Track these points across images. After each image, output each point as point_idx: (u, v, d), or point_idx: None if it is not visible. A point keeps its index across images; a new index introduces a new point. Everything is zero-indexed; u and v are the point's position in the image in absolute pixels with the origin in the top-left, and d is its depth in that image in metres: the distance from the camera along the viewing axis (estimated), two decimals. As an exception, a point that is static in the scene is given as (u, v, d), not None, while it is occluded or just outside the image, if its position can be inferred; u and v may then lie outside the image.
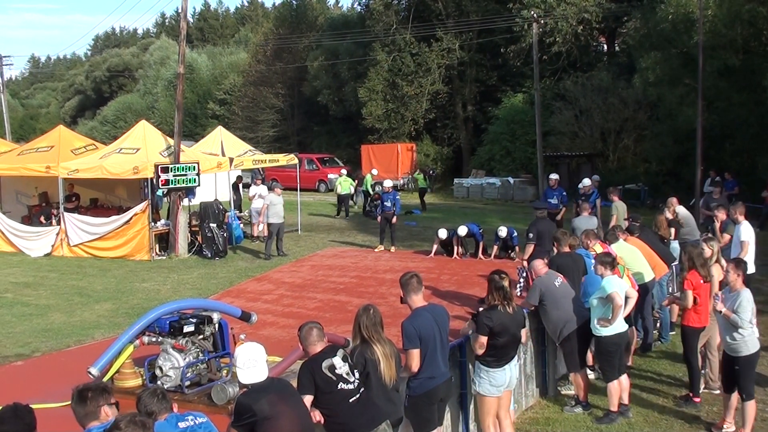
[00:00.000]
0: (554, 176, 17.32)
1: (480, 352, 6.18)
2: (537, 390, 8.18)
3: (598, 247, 9.31)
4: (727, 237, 10.85)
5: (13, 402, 3.59)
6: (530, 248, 11.49)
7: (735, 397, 7.06)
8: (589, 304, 7.69)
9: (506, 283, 6.21)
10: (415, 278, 5.78)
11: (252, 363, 4.54)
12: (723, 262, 8.54)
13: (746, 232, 10.08)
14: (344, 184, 25.18)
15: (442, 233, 16.01)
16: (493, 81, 36.09)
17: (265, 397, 4.37)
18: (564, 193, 16.69)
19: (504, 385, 6.24)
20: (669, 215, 11.78)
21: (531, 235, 11.69)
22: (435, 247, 16.20)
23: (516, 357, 6.39)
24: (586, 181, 16.29)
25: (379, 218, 17.82)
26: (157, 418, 4.16)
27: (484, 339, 6.11)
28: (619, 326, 7.52)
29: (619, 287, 7.48)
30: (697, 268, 7.70)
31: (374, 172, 27.38)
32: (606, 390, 7.92)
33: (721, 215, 11.42)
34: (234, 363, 4.64)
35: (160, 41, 71.87)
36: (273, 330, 10.72)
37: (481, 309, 6.50)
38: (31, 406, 3.62)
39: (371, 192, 25.05)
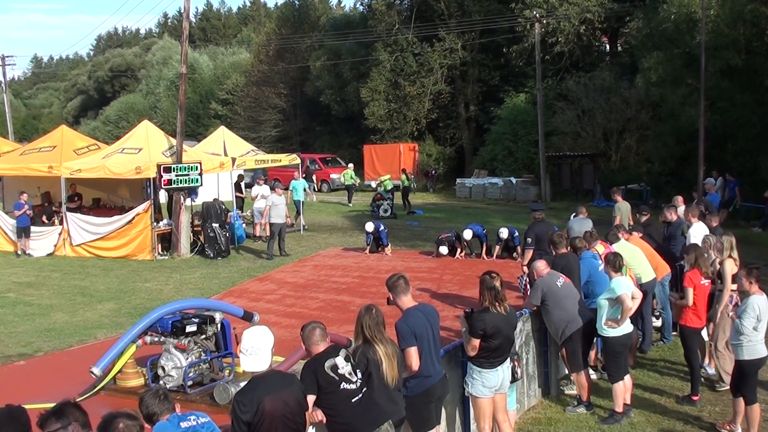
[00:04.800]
0: (710, 180, 18.90)
1: (472, 354, 6.17)
2: (539, 390, 8.17)
3: (599, 247, 9.30)
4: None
5: (5, 405, 3.57)
6: (529, 253, 11.24)
7: (742, 401, 7.04)
8: (597, 304, 7.68)
9: (497, 283, 6.18)
10: (402, 279, 5.79)
11: (255, 351, 4.47)
12: (736, 255, 8.53)
13: (696, 233, 10.12)
14: (346, 176, 29.73)
15: (443, 250, 16.21)
16: (495, 81, 36.05)
17: (253, 401, 4.33)
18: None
19: (496, 387, 6.22)
20: (672, 217, 11.49)
21: (529, 240, 11.45)
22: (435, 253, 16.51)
23: (509, 359, 6.38)
24: None
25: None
26: (159, 418, 4.17)
27: (476, 342, 6.10)
28: (626, 327, 7.53)
29: (628, 289, 7.49)
30: (700, 267, 7.73)
31: (373, 184, 27.95)
32: (607, 390, 7.93)
33: (672, 215, 11.38)
34: (240, 345, 4.59)
35: (163, 41, 71.99)
36: (275, 330, 10.62)
37: (469, 309, 6.47)
38: (24, 406, 3.60)
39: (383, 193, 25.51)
